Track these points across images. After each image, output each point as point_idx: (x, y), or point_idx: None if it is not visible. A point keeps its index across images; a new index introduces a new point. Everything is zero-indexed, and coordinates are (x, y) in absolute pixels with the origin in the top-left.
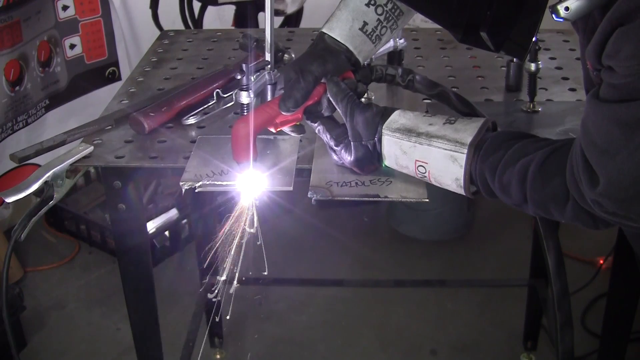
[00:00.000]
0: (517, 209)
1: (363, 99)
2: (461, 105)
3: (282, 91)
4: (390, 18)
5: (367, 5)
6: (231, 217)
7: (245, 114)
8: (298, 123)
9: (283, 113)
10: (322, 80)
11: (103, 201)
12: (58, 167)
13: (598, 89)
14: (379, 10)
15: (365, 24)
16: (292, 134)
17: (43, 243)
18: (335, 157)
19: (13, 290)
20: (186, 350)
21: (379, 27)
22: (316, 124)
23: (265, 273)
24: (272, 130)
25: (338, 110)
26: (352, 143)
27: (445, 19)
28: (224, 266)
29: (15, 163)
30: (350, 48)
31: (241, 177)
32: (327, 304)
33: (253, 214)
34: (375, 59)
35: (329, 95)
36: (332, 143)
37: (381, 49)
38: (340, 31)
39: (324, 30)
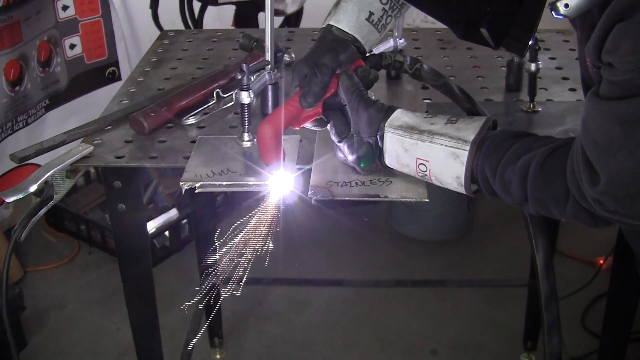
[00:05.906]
0: (518, 207)
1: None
2: (463, 99)
3: (297, 89)
4: (395, 7)
5: None
6: (254, 218)
7: (245, 115)
8: (319, 117)
9: (305, 109)
10: (337, 72)
11: (103, 201)
12: (58, 167)
13: (598, 87)
14: (384, 0)
15: (371, 14)
16: (315, 129)
17: (43, 243)
18: (339, 154)
19: (13, 290)
20: (186, 350)
21: (384, 17)
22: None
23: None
24: (296, 128)
25: (346, 103)
26: (354, 138)
27: (445, 16)
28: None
29: (15, 163)
30: (358, 38)
31: (272, 178)
32: (327, 304)
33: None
34: None
35: (340, 87)
36: (335, 139)
37: (381, 49)
38: (347, 22)
39: (330, 22)
